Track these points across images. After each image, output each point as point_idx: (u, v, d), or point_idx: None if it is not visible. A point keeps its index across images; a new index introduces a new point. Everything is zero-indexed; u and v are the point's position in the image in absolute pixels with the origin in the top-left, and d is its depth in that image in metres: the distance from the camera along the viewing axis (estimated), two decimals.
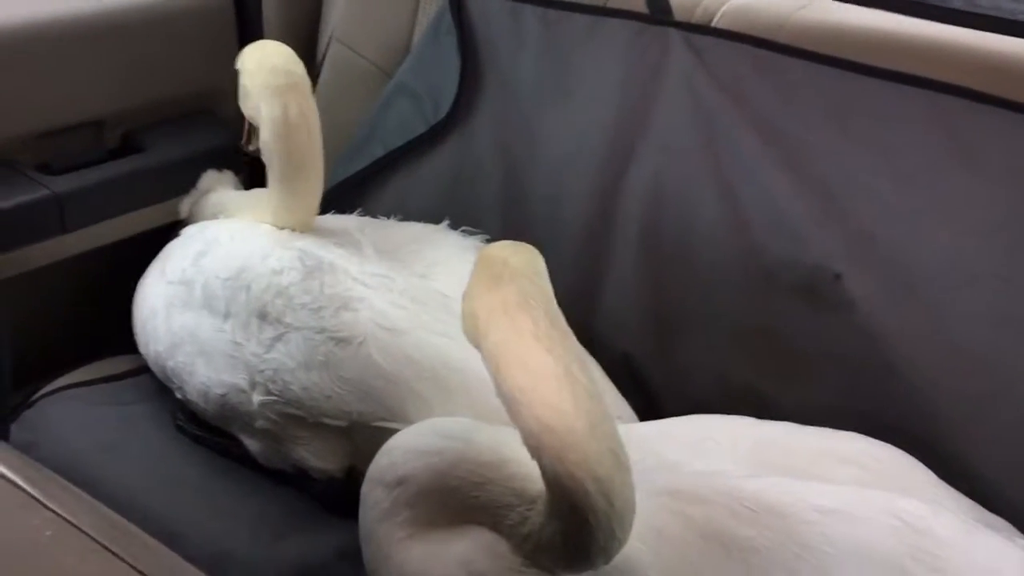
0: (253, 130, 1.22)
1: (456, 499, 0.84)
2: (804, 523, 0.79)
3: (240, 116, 1.24)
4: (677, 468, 0.86)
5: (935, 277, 1.07)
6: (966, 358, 1.05)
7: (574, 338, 0.79)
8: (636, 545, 0.78)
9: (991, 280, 1.05)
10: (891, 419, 1.06)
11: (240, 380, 1.07)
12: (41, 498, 0.57)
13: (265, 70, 1.16)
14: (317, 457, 1.07)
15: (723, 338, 1.18)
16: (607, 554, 0.75)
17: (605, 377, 1.17)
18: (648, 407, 1.17)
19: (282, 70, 1.16)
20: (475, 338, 0.80)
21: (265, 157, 1.17)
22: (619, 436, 0.75)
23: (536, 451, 0.74)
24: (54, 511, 0.56)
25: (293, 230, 1.17)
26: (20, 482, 0.58)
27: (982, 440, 1.04)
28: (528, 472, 0.83)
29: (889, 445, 0.95)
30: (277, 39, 1.47)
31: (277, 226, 1.17)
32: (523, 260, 0.82)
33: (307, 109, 1.15)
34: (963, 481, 0.97)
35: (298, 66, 1.17)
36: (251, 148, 1.25)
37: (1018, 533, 0.93)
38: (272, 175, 1.17)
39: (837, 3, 1.19)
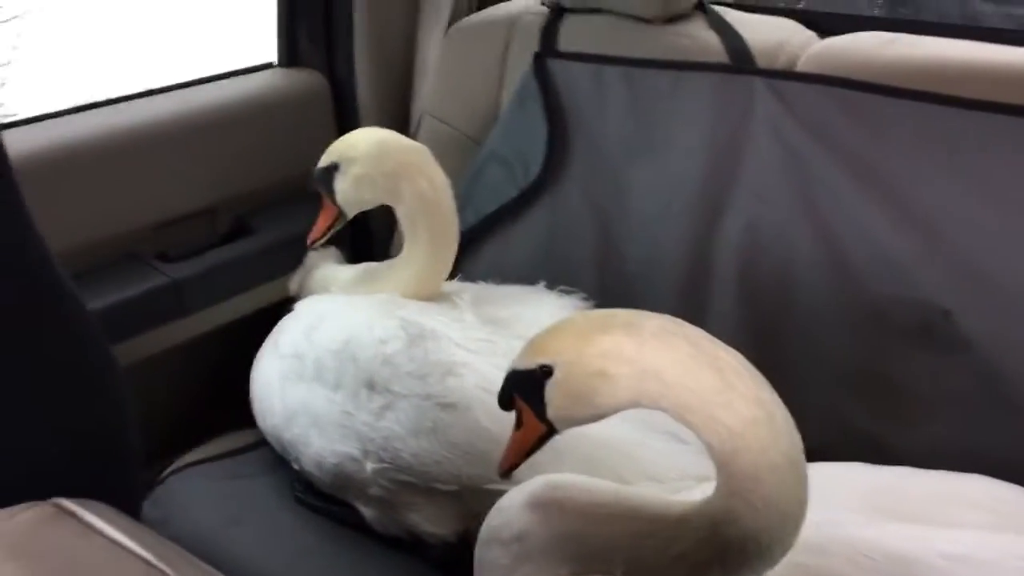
0: (339, 220, 1.26)
1: (580, 546, 0.83)
2: (930, 569, 0.77)
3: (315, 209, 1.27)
4: None
5: None
6: None
7: None
8: None
9: None
10: (1014, 458, 1.02)
11: (353, 449, 1.10)
12: None
13: (396, 151, 1.23)
14: (430, 522, 1.09)
15: (832, 383, 1.15)
16: (774, 558, 0.76)
17: None
18: None
19: (411, 148, 1.24)
20: (638, 389, 0.77)
21: (409, 227, 1.23)
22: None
23: (735, 453, 0.74)
24: None
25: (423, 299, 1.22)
26: (155, 561, 0.61)
27: None
28: (656, 502, 0.84)
29: (1017, 486, 0.92)
30: (373, 118, 1.55)
31: (412, 297, 1.22)
32: (620, 310, 0.82)
33: (443, 177, 1.22)
34: None
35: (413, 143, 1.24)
36: (317, 244, 1.29)
37: None
38: (416, 248, 1.23)
39: (922, 37, 1.18)
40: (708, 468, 1.04)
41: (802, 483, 0.75)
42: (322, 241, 1.29)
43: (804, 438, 1.13)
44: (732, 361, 0.76)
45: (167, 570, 0.60)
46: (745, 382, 0.75)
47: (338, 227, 1.28)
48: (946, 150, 1.11)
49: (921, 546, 0.79)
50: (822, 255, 1.16)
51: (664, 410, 0.78)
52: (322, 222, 1.28)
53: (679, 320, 0.80)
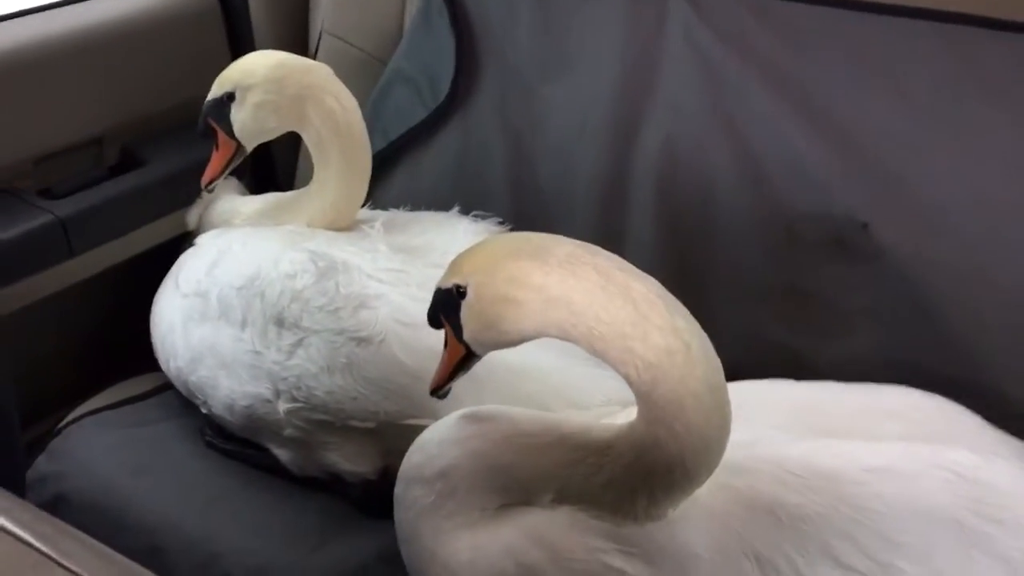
0: (238, 154, 1.19)
1: (508, 478, 0.82)
2: (855, 484, 0.77)
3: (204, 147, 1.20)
4: None
5: (964, 214, 1.04)
6: (1006, 292, 1.02)
7: None
8: (685, 523, 0.77)
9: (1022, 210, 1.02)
10: (934, 366, 1.04)
11: (264, 390, 1.06)
12: (56, 556, 0.55)
13: (298, 72, 1.15)
14: (348, 461, 1.06)
15: (751, 298, 1.15)
16: (699, 478, 0.75)
17: None
18: None
19: (313, 67, 1.16)
20: (543, 318, 0.76)
21: (319, 155, 1.16)
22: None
23: (653, 383, 0.73)
24: (70, 569, 0.53)
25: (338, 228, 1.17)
26: (33, 540, 0.56)
27: None
28: (581, 429, 0.82)
29: (934, 394, 0.92)
30: (267, 39, 1.46)
31: (323, 227, 1.16)
32: (537, 234, 0.81)
33: (350, 97, 1.16)
34: (1013, 422, 0.94)
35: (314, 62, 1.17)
36: (213, 185, 1.20)
37: None
38: (328, 174, 1.17)
39: None
40: (631, 394, 1.03)
41: (724, 408, 0.74)
42: (219, 181, 1.21)
43: (726, 357, 1.13)
44: (645, 290, 0.73)
45: (46, 549, 0.54)
46: (659, 312, 0.73)
47: (237, 162, 1.20)
48: (860, 58, 1.09)
49: (845, 461, 0.79)
50: (740, 170, 1.15)
51: (575, 341, 0.76)
52: (217, 160, 1.19)
53: (593, 248, 0.77)
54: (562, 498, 0.80)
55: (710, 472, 0.76)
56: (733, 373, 0.99)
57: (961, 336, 1.03)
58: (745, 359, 1.11)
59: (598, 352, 0.75)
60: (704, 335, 0.75)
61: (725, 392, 0.75)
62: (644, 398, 0.75)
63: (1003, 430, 0.91)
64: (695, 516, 0.77)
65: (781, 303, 1.13)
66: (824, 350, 1.09)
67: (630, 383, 0.75)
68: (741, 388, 0.94)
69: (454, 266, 0.82)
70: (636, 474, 0.77)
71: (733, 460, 0.80)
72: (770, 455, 0.80)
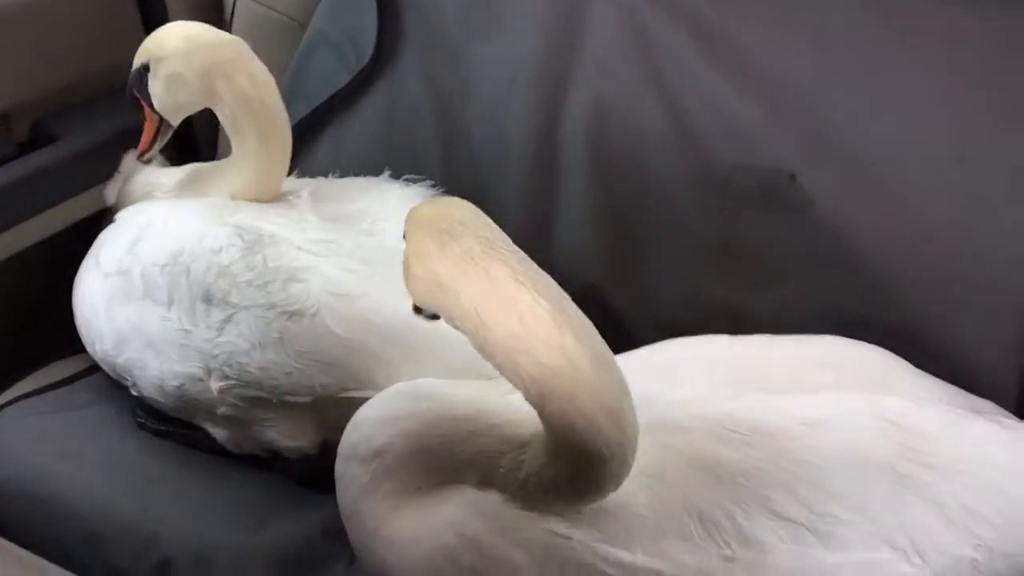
0: (162, 129, 1.15)
1: (439, 460, 0.81)
2: (791, 438, 0.78)
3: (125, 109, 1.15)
4: (655, 400, 0.84)
5: (890, 163, 1.06)
6: (931, 241, 1.04)
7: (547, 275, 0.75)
8: (626, 484, 0.77)
9: (946, 159, 1.04)
10: (866, 314, 1.05)
11: (194, 369, 1.03)
12: None
13: (208, 47, 1.10)
14: (286, 436, 1.04)
15: (686, 255, 1.15)
16: (618, 481, 0.74)
17: None
18: (620, 338, 1.13)
19: (224, 41, 1.11)
20: (437, 299, 0.76)
21: (233, 130, 1.12)
22: (616, 363, 0.73)
23: (541, 398, 0.71)
24: None
25: (258, 200, 1.13)
26: None
27: (957, 322, 1.03)
28: (510, 418, 0.81)
29: (865, 343, 0.94)
30: (180, 5, 1.40)
31: (249, 198, 1.12)
32: (467, 211, 0.78)
33: (265, 72, 1.11)
34: (943, 367, 0.96)
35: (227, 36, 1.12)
36: (148, 155, 1.17)
37: (1003, 412, 0.93)
38: (244, 152, 1.12)
39: None
40: None
41: (623, 426, 0.72)
42: (151, 154, 1.17)
43: (665, 314, 1.15)
44: (533, 304, 0.71)
45: None
46: (546, 328, 0.70)
47: (166, 136, 1.16)
48: (783, 9, 1.09)
49: (781, 415, 0.80)
50: (669, 125, 1.14)
51: (465, 335, 0.74)
52: (146, 133, 1.16)
53: (500, 247, 0.74)
54: (490, 485, 0.80)
55: (620, 479, 0.75)
56: (671, 330, 1.01)
57: (889, 283, 1.05)
58: (683, 316, 1.13)
59: (484, 355, 0.73)
60: (602, 354, 0.73)
61: (624, 411, 0.72)
62: (537, 410, 0.73)
63: (932, 375, 0.93)
64: (636, 476, 0.77)
65: (716, 257, 1.14)
66: (758, 303, 1.10)
67: (520, 391, 0.74)
68: (678, 345, 0.95)
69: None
70: (550, 476, 0.76)
71: (672, 418, 0.81)
72: (708, 412, 0.81)
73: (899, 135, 1.05)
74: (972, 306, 1.02)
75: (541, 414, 0.73)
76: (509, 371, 0.72)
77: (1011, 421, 0.90)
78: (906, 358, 0.93)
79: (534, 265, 0.75)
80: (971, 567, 0.76)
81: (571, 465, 0.74)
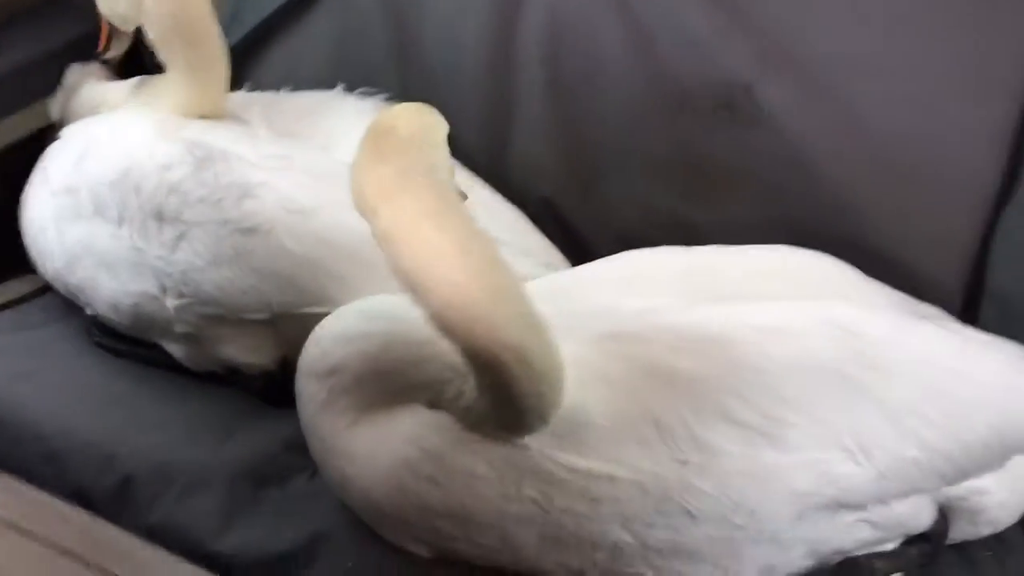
0: (115, 32, 1.13)
1: (392, 381, 0.83)
2: (744, 345, 0.79)
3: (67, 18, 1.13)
4: (613, 310, 0.85)
5: (843, 72, 1.06)
6: (882, 150, 1.05)
7: (464, 209, 0.76)
8: (583, 393, 0.78)
9: (899, 66, 1.04)
10: (818, 224, 1.07)
11: (149, 287, 1.02)
12: None
13: None
14: (245, 353, 1.04)
15: (642, 167, 1.15)
16: (543, 416, 0.76)
17: (530, 225, 1.15)
18: (577, 250, 1.15)
19: None
20: (365, 216, 0.76)
21: (163, 48, 1.08)
22: (527, 298, 0.74)
23: (444, 331, 0.73)
24: None
25: (205, 117, 1.10)
26: None
27: (906, 230, 1.05)
28: (452, 348, 0.81)
29: (816, 252, 0.95)
30: None
31: (191, 116, 1.09)
32: (412, 127, 0.77)
33: None
34: (892, 274, 0.98)
35: None
36: (110, 55, 1.16)
37: (948, 317, 0.95)
38: (176, 64, 1.09)
39: None
40: (527, 269, 1.03)
41: (527, 353, 0.72)
42: (110, 55, 1.16)
43: (622, 228, 1.15)
44: (434, 240, 0.72)
45: None
46: (444, 264, 0.71)
47: (123, 42, 1.15)
48: None
49: (735, 324, 0.81)
50: (625, 35, 1.13)
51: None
52: (103, 33, 1.16)
53: (425, 173, 0.75)
54: (438, 408, 0.81)
55: (544, 413, 0.76)
56: (628, 243, 1.02)
57: (840, 193, 1.06)
58: (639, 229, 1.13)
59: (398, 282, 0.74)
60: (506, 290, 0.73)
61: (527, 348, 0.72)
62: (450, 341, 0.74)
63: (881, 282, 0.95)
64: (595, 386, 0.79)
65: (671, 168, 1.14)
66: (713, 215, 1.11)
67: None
68: (634, 257, 0.95)
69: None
70: (482, 408, 0.78)
71: (629, 329, 0.82)
72: (664, 323, 0.82)
73: (853, 46, 1.05)
74: (920, 214, 1.04)
75: (454, 346, 0.74)
76: (416, 303, 0.73)
77: (956, 325, 0.93)
78: (856, 266, 0.94)
79: (450, 197, 0.75)
80: (914, 465, 0.79)
81: (493, 399, 0.76)
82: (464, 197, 0.87)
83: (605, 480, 0.76)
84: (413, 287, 0.73)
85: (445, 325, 0.73)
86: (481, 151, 1.19)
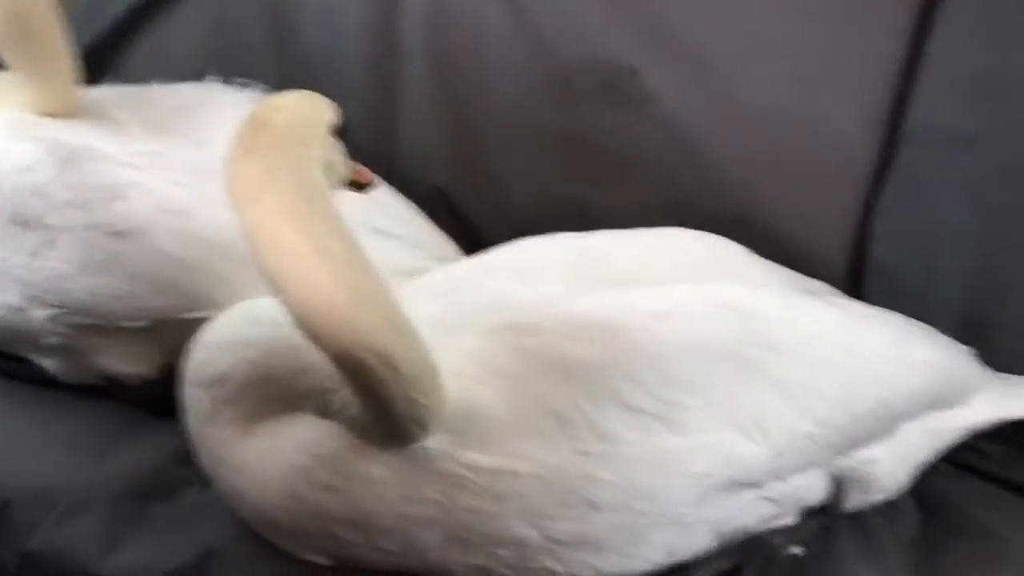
0: None
1: (279, 388, 0.80)
2: (637, 331, 0.79)
3: None
4: (507, 301, 0.84)
5: (725, 53, 1.08)
6: (765, 129, 1.07)
7: (332, 208, 0.73)
8: (481, 388, 0.77)
9: (779, 46, 1.06)
10: (707, 204, 1.08)
11: (10, 297, 0.96)
12: None
13: None
14: (125, 363, 0.99)
15: (533, 153, 1.15)
16: (421, 423, 0.74)
17: (421, 217, 1.13)
18: (471, 240, 1.14)
19: None
20: (234, 213, 0.73)
21: (1, 45, 1.01)
22: (393, 302, 0.73)
23: (309, 336, 0.71)
24: None
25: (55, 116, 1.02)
26: None
27: (790, 207, 1.07)
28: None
29: (706, 233, 0.96)
30: None
31: (43, 114, 1.02)
32: (290, 119, 0.74)
33: None
34: (780, 252, 0.99)
35: None
36: None
37: (833, 292, 0.98)
38: (17, 61, 1.02)
39: None
40: (419, 262, 1.01)
41: (394, 358, 0.71)
42: None
43: (514, 216, 1.14)
44: (294, 241, 0.69)
45: None
46: (303, 266, 0.69)
47: None
48: None
49: (628, 309, 0.81)
50: (509, 19, 1.12)
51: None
52: None
53: (293, 170, 0.71)
54: (327, 418, 0.79)
55: (423, 422, 0.74)
56: (521, 230, 1.00)
57: (727, 173, 1.08)
58: (532, 215, 1.13)
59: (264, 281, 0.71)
60: (370, 293, 0.71)
61: (395, 353, 0.71)
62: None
63: (770, 260, 0.96)
64: (493, 381, 0.77)
65: (561, 154, 1.14)
66: (604, 199, 1.11)
67: None
68: (527, 245, 0.94)
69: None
70: (363, 418, 0.75)
71: (524, 320, 0.81)
72: (558, 312, 0.81)
73: (734, 28, 1.06)
74: (803, 192, 1.06)
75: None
76: (281, 305, 0.71)
77: (843, 300, 0.95)
78: (745, 245, 0.96)
79: (318, 195, 0.72)
80: (809, 440, 0.80)
81: (367, 408, 0.74)
82: (367, 185, 0.84)
83: (508, 476, 0.75)
84: (276, 289, 0.70)
85: (308, 329, 0.70)
86: (366, 141, 1.16)
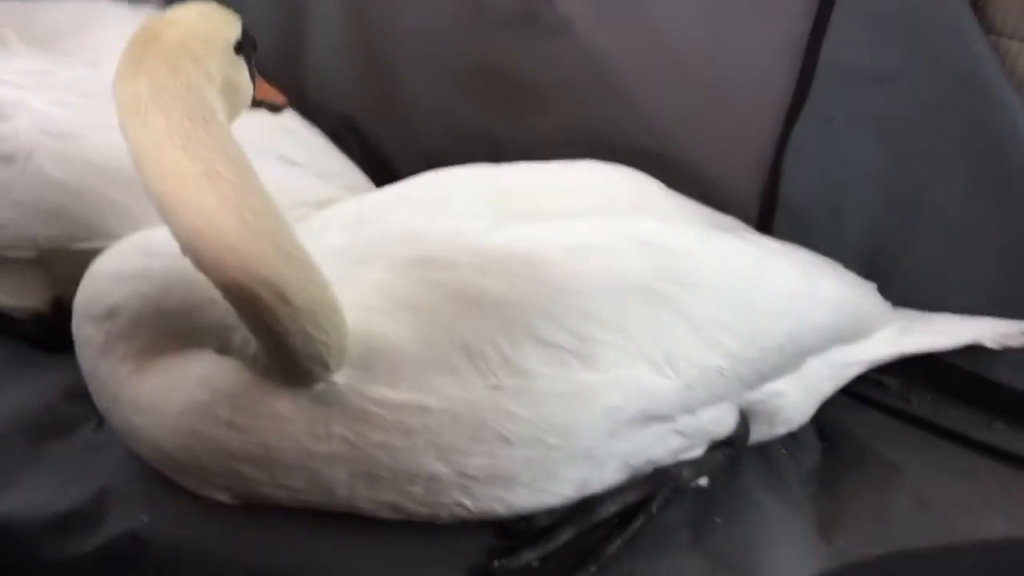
0: None
1: (176, 323, 0.76)
2: (553, 265, 0.78)
3: None
4: (419, 234, 0.81)
5: None
6: (682, 63, 1.05)
7: (223, 129, 0.69)
8: (391, 322, 0.75)
9: None
10: (621, 137, 1.06)
11: None
12: None
13: None
14: (12, 296, 0.94)
15: (445, 82, 1.12)
16: (321, 361, 0.71)
17: (330, 145, 1.09)
18: (382, 170, 1.11)
19: None
20: (122, 131, 0.68)
21: None
22: (288, 230, 0.69)
23: (196, 263, 0.67)
24: None
25: None
26: None
27: (705, 142, 1.07)
28: None
29: (621, 166, 0.95)
30: None
31: None
32: (182, 33, 0.69)
33: None
34: (693, 186, 0.99)
35: None
36: None
37: (745, 227, 0.98)
38: None
39: None
40: (326, 192, 0.98)
41: (287, 290, 0.68)
42: None
43: (429, 146, 1.11)
44: (181, 163, 0.66)
45: None
46: (189, 189, 0.66)
47: None
48: None
49: (543, 243, 0.79)
50: None
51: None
52: None
53: (181, 88, 0.67)
54: (227, 354, 0.76)
55: (323, 359, 0.71)
56: (433, 161, 0.98)
57: (642, 107, 1.06)
58: (444, 146, 1.10)
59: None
60: (263, 222, 0.67)
61: (288, 284, 0.68)
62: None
63: (684, 195, 0.96)
64: (402, 314, 0.75)
65: (475, 84, 1.11)
66: (518, 131, 1.09)
67: None
68: (440, 177, 0.92)
69: None
70: (261, 349, 0.73)
71: (436, 253, 0.79)
72: (472, 245, 0.79)
73: None
74: (718, 127, 1.05)
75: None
76: (169, 230, 0.67)
77: (754, 236, 0.95)
78: (660, 179, 0.95)
79: (206, 117, 0.68)
80: (718, 374, 0.81)
81: (264, 345, 0.71)
82: (280, 107, 0.80)
83: (418, 411, 0.73)
84: (162, 214, 0.66)
85: (194, 256, 0.67)
86: (273, 67, 1.10)
